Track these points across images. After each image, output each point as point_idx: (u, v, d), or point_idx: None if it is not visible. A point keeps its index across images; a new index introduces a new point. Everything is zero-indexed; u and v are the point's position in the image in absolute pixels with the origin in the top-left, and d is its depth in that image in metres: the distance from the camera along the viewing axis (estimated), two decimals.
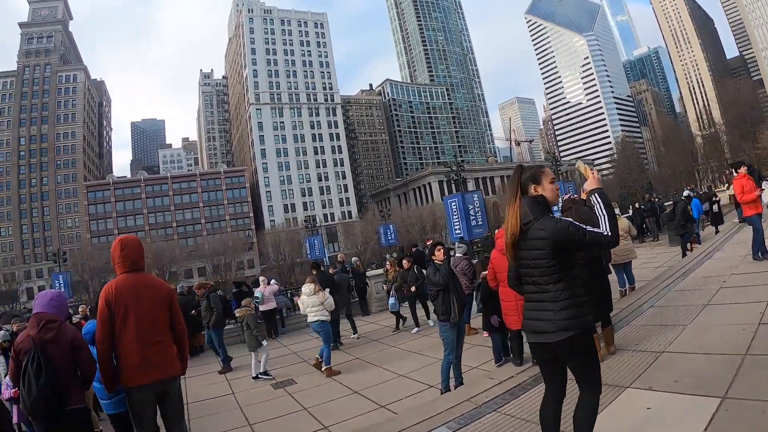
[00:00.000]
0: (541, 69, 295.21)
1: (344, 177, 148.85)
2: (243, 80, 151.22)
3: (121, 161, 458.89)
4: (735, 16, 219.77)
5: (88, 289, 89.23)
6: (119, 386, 5.17)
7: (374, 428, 6.99)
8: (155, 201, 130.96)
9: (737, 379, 5.42)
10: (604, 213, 3.93)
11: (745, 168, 12.36)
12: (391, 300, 15.70)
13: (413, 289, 15.06)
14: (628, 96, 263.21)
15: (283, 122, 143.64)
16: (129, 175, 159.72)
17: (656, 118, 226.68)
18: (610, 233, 3.85)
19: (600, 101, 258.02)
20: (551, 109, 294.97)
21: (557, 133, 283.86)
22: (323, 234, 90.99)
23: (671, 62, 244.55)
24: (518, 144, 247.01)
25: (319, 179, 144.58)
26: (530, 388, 6.72)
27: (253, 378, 12.09)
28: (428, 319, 15.43)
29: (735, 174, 12.69)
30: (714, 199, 25.17)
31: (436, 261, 8.88)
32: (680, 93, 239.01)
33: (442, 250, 8.98)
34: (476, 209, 26.85)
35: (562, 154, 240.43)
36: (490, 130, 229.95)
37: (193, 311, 15.64)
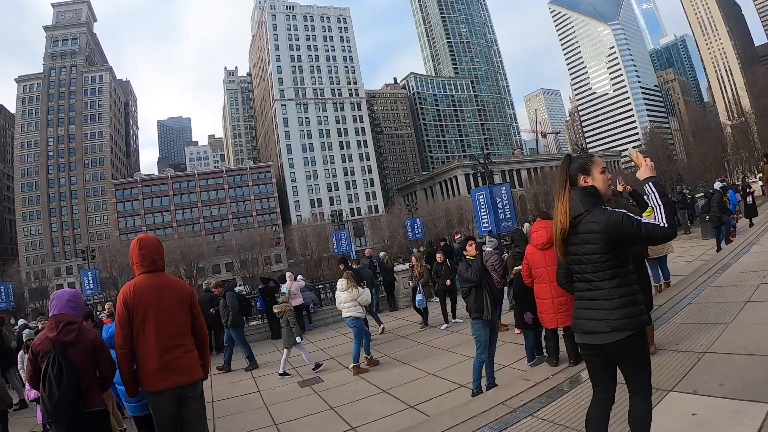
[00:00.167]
0: (566, 59, 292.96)
1: (370, 171, 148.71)
2: (267, 77, 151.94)
3: (149, 159, 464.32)
4: (763, 2, 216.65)
5: (117, 285, 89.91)
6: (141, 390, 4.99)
7: None
8: (182, 198, 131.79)
9: None
10: (660, 203, 3.61)
11: None
12: (419, 296, 15.32)
13: (448, 282, 14.71)
14: (655, 85, 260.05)
15: (308, 117, 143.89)
16: (156, 173, 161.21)
17: (684, 107, 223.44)
18: (666, 225, 3.54)
19: (627, 91, 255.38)
20: (577, 100, 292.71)
21: (584, 124, 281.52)
22: (350, 228, 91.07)
23: (698, 50, 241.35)
24: (544, 136, 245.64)
25: (345, 174, 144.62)
26: (567, 390, 6.42)
27: (280, 375, 11.88)
28: (454, 317, 15.16)
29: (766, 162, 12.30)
30: (748, 190, 24.56)
31: (468, 256, 8.55)
32: (708, 82, 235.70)
33: (474, 245, 8.65)
34: (504, 202, 26.54)
35: (589, 145, 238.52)
36: (516, 123, 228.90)
37: (212, 309, 15.44)
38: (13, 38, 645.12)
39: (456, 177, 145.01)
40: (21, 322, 21.01)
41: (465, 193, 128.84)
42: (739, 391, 5.14)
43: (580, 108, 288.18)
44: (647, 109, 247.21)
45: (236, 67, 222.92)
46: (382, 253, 23.55)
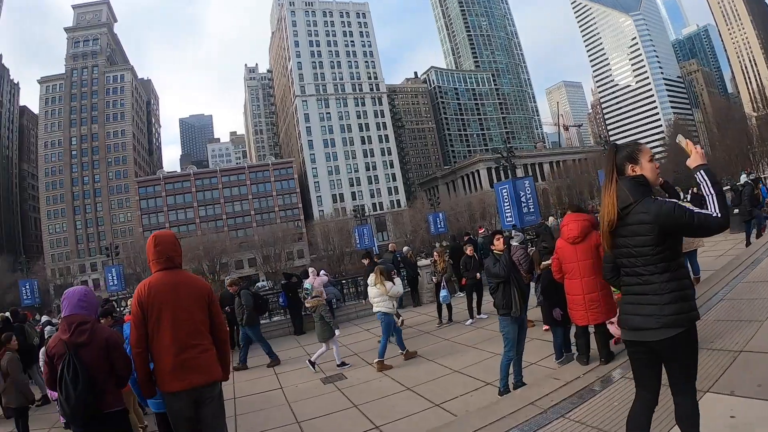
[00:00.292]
0: (587, 51, 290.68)
1: (392, 166, 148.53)
2: (288, 73, 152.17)
3: (171, 157, 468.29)
4: None
5: (141, 281, 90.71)
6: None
7: None
8: (205, 194, 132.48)
9: None
10: (712, 192, 3.42)
11: None
12: (444, 292, 15.08)
13: (477, 276, 14.55)
14: (678, 77, 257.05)
15: (329, 113, 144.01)
16: (179, 170, 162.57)
17: (708, 99, 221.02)
18: (720, 214, 3.35)
19: (649, 83, 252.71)
20: (599, 92, 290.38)
21: (606, 116, 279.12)
22: (372, 223, 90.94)
23: (721, 40, 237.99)
24: (566, 129, 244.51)
25: (367, 169, 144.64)
26: (599, 390, 6.20)
27: (310, 362, 11.84)
28: (479, 313, 14.95)
29: None
30: None
31: (495, 251, 8.33)
32: (732, 72, 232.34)
33: (501, 239, 8.43)
34: (528, 196, 26.34)
35: (611, 138, 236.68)
36: (538, 116, 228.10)
37: (227, 308, 15.29)
38: (35, 41, 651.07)
39: (478, 171, 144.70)
40: (44, 318, 21.12)
41: (487, 187, 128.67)
42: None
43: (602, 100, 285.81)
44: (670, 101, 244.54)
45: (257, 64, 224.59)
46: (405, 248, 23.31)
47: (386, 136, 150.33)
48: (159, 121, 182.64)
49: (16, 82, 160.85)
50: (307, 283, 17.62)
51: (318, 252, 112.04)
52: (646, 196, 3.59)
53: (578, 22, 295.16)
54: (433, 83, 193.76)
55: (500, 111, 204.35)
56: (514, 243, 11.62)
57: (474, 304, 15.01)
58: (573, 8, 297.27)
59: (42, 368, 12.13)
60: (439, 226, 49.82)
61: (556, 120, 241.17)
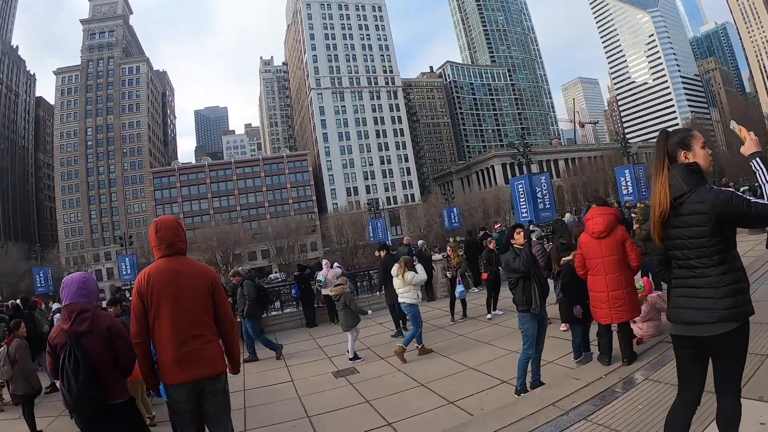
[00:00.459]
0: (604, 48, 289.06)
1: (407, 160, 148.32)
2: (303, 66, 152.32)
3: (186, 148, 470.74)
4: None
5: None
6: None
7: None
8: (219, 186, 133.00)
9: None
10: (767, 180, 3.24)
11: None
12: (460, 287, 14.84)
13: (499, 270, 14.28)
14: (695, 75, 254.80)
15: (344, 106, 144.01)
16: (193, 161, 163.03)
17: (726, 98, 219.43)
18: None
19: (667, 80, 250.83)
20: (616, 89, 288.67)
21: (623, 114, 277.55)
22: (386, 217, 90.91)
23: (740, 39, 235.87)
24: (582, 126, 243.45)
25: (382, 162, 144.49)
26: (622, 392, 5.96)
27: (350, 359, 11.67)
28: (494, 308, 14.62)
29: None
30: None
31: (515, 245, 8.00)
32: (750, 71, 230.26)
33: (522, 233, 8.08)
34: (544, 192, 26.08)
35: (627, 135, 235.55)
36: (554, 112, 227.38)
37: (229, 299, 15.07)
38: (51, 32, 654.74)
39: (493, 166, 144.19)
40: (55, 306, 21.11)
41: (502, 182, 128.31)
42: None
43: (618, 97, 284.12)
44: (687, 99, 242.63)
45: (272, 57, 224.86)
46: (420, 242, 23.08)
47: (401, 130, 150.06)
48: (174, 112, 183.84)
49: (32, 73, 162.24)
50: (320, 275, 17.55)
51: (331, 245, 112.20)
52: (700, 184, 3.45)
53: (595, 18, 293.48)
54: (449, 78, 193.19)
55: (516, 107, 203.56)
56: (533, 237, 11.39)
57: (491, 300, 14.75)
58: (590, 4, 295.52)
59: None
60: (453, 221, 49.57)
61: (571, 117, 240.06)
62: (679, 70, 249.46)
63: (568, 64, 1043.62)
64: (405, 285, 11.67)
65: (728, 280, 3.36)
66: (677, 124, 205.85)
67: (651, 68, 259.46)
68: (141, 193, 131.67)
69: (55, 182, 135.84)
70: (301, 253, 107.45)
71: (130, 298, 20.62)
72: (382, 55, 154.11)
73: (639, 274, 8.03)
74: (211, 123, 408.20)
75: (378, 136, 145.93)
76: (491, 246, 15.05)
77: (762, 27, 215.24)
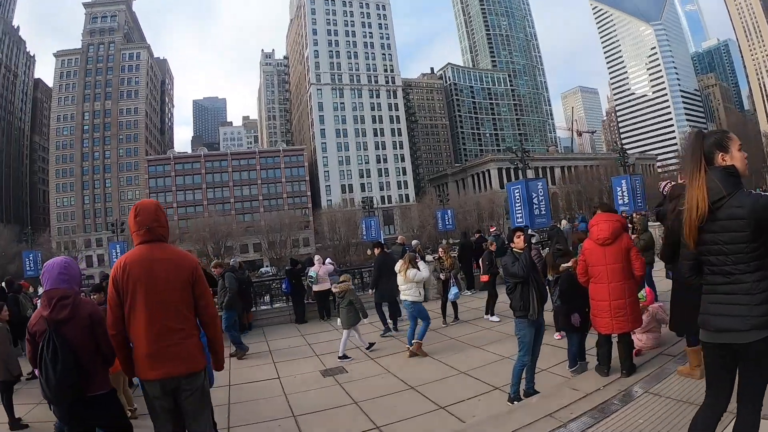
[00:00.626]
0: (606, 58, 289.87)
1: (403, 160, 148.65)
2: (304, 60, 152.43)
3: (183, 138, 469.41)
4: None
5: None
6: None
7: None
8: (214, 177, 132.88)
9: None
10: None
11: None
12: (454, 289, 14.65)
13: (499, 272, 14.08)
14: (695, 90, 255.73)
15: (343, 103, 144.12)
16: (189, 151, 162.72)
17: (724, 114, 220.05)
18: None
19: (666, 94, 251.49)
20: (615, 100, 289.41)
21: (621, 125, 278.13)
22: (380, 216, 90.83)
23: (741, 56, 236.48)
24: (580, 135, 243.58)
25: (378, 161, 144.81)
26: (622, 405, 5.78)
27: (339, 357, 11.50)
28: (487, 314, 14.40)
29: None
30: None
31: (515, 249, 7.77)
32: (750, 89, 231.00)
33: (522, 237, 7.83)
34: (540, 198, 25.90)
35: (624, 146, 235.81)
36: (552, 119, 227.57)
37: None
38: (53, 14, 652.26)
39: (489, 171, 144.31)
40: (41, 290, 20.84)
41: (497, 187, 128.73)
42: None
43: (617, 108, 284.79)
44: (686, 113, 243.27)
45: (273, 50, 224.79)
46: (415, 242, 22.98)
47: (399, 129, 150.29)
48: (172, 101, 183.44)
49: (32, 55, 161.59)
50: (312, 271, 17.35)
51: (324, 241, 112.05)
52: (738, 188, 3.36)
53: (598, 28, 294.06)
54: (449, 80, 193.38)
55: (515, 112, 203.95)
56: (534, 241, 11.23)
57: (486, 303, 14.58)
58: (594, 14, 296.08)
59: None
60: (447, 223, 49.38)
61: (570, 125, 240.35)
62: (679, 84, 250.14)
63: (569, 72, 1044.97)
64: (407, 282, 11.56)
65: (765, 287, 3.23)
66: (674, 138, 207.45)
67: (651, 81, 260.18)
68: (135, 181, 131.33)
69: (49, 165, 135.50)
70: (293, 248, 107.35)
71: None
72: (384, 54, 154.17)
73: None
74: (209, 113, 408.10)
75: (375, 134, 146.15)
76: (492, 248, 14.89)
77: (764, 45, 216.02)
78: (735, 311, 3.31)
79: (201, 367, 4.42)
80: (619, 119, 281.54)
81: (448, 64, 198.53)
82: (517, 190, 26.12)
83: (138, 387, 6.72)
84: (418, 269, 11.66)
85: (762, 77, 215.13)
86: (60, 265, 4.61)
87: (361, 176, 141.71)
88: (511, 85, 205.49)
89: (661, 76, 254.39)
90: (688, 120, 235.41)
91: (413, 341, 11.12)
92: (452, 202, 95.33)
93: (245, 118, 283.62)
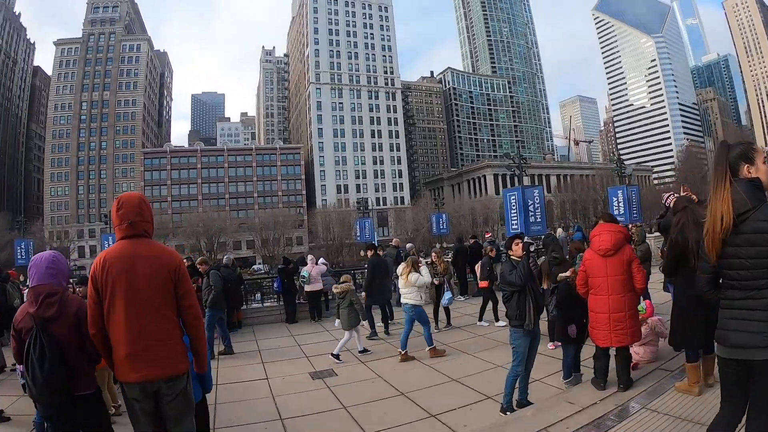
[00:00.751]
0: (605, 68, 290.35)
1: (399, 162, 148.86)
2: (304, 59, 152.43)
3: (180, 131, 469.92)
4: None
5: None
6: None
7: None
8: (210, 172, 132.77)
9: None
10: None
11: None
12: (448, 294, 14.52)
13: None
14: (693, 103, 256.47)
15: (341, 103, 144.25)
16: (186, 145, 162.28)
17: (721, 128, 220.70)
18: None
19: (664, 106, 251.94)
20: (613, 110, 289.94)
21: (618, 135, 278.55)
22: (374, 217, 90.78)
23: (741, 71, 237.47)
24: (577, 144, 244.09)
25: (374, 163, 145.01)
26: (619, 421, 5.63)
27: (332, 354, 11.48)
28: (480, 319, 14.37)
29: None
30: None
31: (513, 257, 7.58)
32: (748, 105, 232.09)
33: (521, 245, 7.61)
34: (536, 205, 25.85)
35: (622, 157, 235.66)
36: (550, 127, 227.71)
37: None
38: (54, 2, 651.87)
39: (485, 176, 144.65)
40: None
41: (492, 193, 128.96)
42: None
43: (615, 119, 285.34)
44: (684, 127, 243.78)
45: (274, 47, 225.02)
46: (409, 245, 22.85)
47: (396, 131, 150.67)
48: (171, 94, 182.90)
49: (32, 42, 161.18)
50: (304, 271, 17.21)
51: (317, 240, 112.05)
52: (763, 201, 3.29)
53: (599, 38, 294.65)
54: (449, 84, 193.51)
55: (513, 119, 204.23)
56: (532, 249, 11.13)
57: (479, 309, 14.54)
58: (595, 24, 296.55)
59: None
60: (441, 227, 49.20)
61: (567, 134, 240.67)
62: (678, 97, 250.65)
63: (568, 81, 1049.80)
64: (408, 286, 11.46)
65: None
66: (671, 150, 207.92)
67: (650, 92, 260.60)
68: (131, 173, 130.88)
69: (45, 154, 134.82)
70: (286, 246, 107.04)
71: None
72: (384, 56, 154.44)
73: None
74: (207, 108, 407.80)
75: (373, 135, 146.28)
76: (492, 254, 14.79)
77: (764, 62, 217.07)
78: (753, 327, 3.25)
79: (182, 371, 4.21)
80: (617, 130, 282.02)
81: (448, 68, 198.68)
82: (513, 197, 26.07)
83: None
84: (420, 273, 11.55)
85: (761, 93, 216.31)
86: (48, 260, 4.45)
87: (357, 177, 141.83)
88: (510, 92, 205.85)
89: (660, 89, 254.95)
90: (685, 133, 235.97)
91: (428, 348, 11.11)
92: (447, 207, 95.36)
93: (243, 114, 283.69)
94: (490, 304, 14.28)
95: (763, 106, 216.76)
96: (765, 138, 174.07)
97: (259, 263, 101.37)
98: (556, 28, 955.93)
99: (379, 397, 8.58)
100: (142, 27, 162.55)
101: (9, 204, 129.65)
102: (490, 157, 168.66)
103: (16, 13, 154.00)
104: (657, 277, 8.86)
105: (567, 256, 11.05)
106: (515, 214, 25.66)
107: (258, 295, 20.30)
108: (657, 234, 22.18)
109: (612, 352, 6.99)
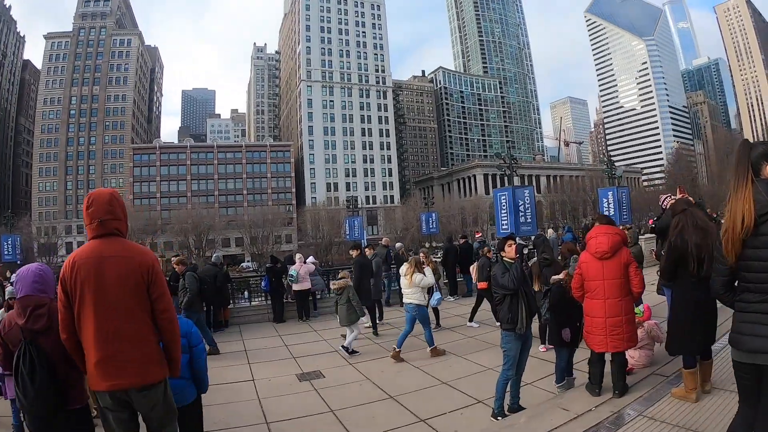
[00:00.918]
0: (596, 70, 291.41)
1: (389, 161, 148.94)
2: (296, 56, 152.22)
3: (170, 128, 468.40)
4: None
5: None
6: None
7: None
8: (199, 168, 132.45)
9: None
10: None
11: None
12: (437, 295, 14.31)
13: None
14: (683, 106, 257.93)
15: (332, 101, 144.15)
16: (176, 142, 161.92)
17: (711, 131, 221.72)
18: None
19: (655, 109, 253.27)
20: (604, 112, 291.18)
21: (608, 137, 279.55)
22: (364, 216, 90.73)
23: (731, 76, 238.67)
24: (567, 145, 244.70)
25: (365, 161, 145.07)
26: (615, 429, 5.48)
27: (344, 347, 11.72)
28: (471, 319, 14.29)
29: None
30: None
31: (506, 258, 7.38)
32: (738, 109, 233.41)
33: (514, 246, 7.41)
34: (526, 206, 25.75)
35: (612, 158, 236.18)
36: (540, 128, 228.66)
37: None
38: None
39: (474, 176, 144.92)
40: (14, 276, 20.32)
41: (482, 193, 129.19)
42: None
43: (605, 120, 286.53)
44: (673, 129, 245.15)
45: (265, 44, 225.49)
46: (398, 244, 22.78)
47: (387, 130, 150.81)
48: (161, 90, 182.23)
49: (22, 35, 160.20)
50: (292, 269, 17.01)
51: (306, 239, 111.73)
52: None
53: (591, 40, 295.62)
54: (440, 83, 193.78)
55: (503, 119, 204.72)
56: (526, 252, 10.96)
57: (471, 310, 14.49)
58: (587, 26, 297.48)
59: None
60: (431, 226, 49.11)
61: (557, 134, 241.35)
62: (668, 100, 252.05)
63: (559, 82, 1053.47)
64: (411, 286, 11.38)
65: None
66: (661, 153, 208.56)
67: (640, 95, 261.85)
68: (120, 169, 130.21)
69: (33, 149, 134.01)
70: (275, 244, 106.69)
71: None
72: (376, 54, 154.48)
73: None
74: (197, 104, 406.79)
75: (363, 134, 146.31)
76: (489, 255, 14.66)
77: (754, 67, 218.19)
78: (766, 332, 3.18)
79: (157, 379, 3.98)
80: (607, 131, 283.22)
81: (440, 67, 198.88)
82: (503, 197, 25.97)
83: None
84: (424, 274, 11.50)
85: (750, 97, 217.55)
86: (34, 272, 4.30)
87: (347, 175, 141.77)
88: (501, 92, 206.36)
89: (651, 91, 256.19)
90: (675, 136, 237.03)
91: (429, 349, 11.10)
92: (437, 206, 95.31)
93: (234, 111, 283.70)
94: (486, 305, 14.10)
95: (753, 111, 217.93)
96: (755, 141, 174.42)
97: (248, 261, 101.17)
98: (548, 29, 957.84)
99: (367, 401, 8.41)
100: (133, 21, 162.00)
101: None
102: (480, 157, 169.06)
103: (6, 6, 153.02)
104: (649, 279, 8.74)
105: (558, 258, 10.91)
106: (505, 215, 25.56)
107: (246, 294, 20.10)
108: (648, 236, 22.12)
109: (607, 357, 6.80)
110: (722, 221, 3.67)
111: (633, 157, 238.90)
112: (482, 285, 14.56)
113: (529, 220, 25.51)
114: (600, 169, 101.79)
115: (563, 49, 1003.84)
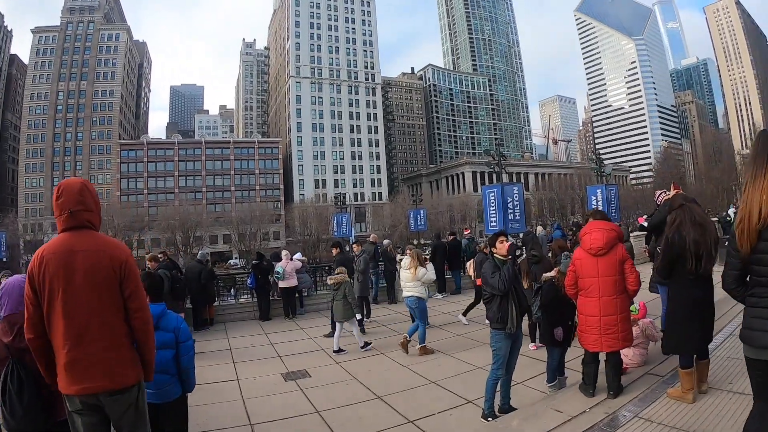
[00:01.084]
0: (585, 69, 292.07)
1: (378, 158, 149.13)
2: (285, 52, 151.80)
3: (158, 124, 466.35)
4: None
5: None
6: None
7: None
8: (187, 165, 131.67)
9: None
10: None
11: None
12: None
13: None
14: (672, 106, 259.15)
15: (321, 97, 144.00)
16: (164, 138, 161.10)
17: (698, 131, 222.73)
18: None
19: (643, 108, 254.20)
20: (592, 110, 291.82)
21: (596, 135, 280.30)
22: (352, 213, 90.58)
23: (719, 76, 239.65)
24: (555, 143, 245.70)
25: (353, 158, 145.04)
26: (611, 431, 5.30)
27: (335, 351, 11.53)
28: (463, 315, 14.12)
29: None
30: None
31: (497, 255, 7.09)
32: (725, 108, 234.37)
33: (506, 243, 7.08)
34: (515, 203, 25.67)
35: (600, 156, 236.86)
36: (529, 126, 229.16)
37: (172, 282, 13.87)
38: None
39: (463, 173, 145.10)
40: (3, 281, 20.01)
41: (470, 190, 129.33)
42: None
43: (594, 119, 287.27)
44: (661, 128, 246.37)
45: (254, 40, 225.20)
46: (386, 241, 22.57)
47: (376, 127, 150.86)
48: (149, 85, 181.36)
49: (9, 29, 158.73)
50: (279, 267, 16.82)
51: (294, 235, 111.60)
52: None
53: (580, 39, 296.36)
54: (429, 81, 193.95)
55: (492, 117, 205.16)
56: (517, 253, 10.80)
57: (468, 306, 14.42)
58: (577, 25, 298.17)
59: None
60: (419, 223, 49.06)
61: (546, 132, 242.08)
62: (657, 99, 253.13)
63: (548, 81, 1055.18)
64: (414, 280, 11.37)
65: None
66: (649, 151, 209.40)
67: (629, 94, 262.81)
68: (107, 165, 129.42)
69: (20, 144, 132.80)
70: (263, 240, 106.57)
71: None
72: (366, 51, 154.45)
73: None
74: (186, 100, 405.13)
75: (352, 131, 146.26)
76: (486, 251, 14.58)
77: (742, 67, 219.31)
78: None
79: (130, 383, 3.71)
80: (595, 130, 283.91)
81: (429, 65, 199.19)
82: (492, 194, 25.84)
83: None
84: (426, 269, 11.51)
85: (738, 97, 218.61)
86: (21, 287, 3.98)
87: (335, 172, 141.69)
88: (490, 90, 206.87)
89: (639, 90, 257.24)
90: (663, 135, 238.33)
91: (418, 346, 11.03)
92: (425, 203, 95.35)
93: (222, 107, 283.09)
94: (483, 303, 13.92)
95: (741, 111, 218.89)
96: (741, 142, 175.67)
97: (236, 258, 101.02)
98: (538, 27, 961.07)
99: (354, 401, 8.23)
100: (122, 16, 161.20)
101: None
102: (468, 154, 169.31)
103: None
104: (642, 276, 8.62)
105: (547, 254, 10.77)
106: (494, 211, 25.45)
107: (232, 291, 19.90)
108: (637, 233, 22.04)
109: (602, 356, 6.59)
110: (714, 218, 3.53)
111: (621, 156, 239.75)
112: (480, 281, 14.50)
113: (517, 217, 25.44)
114: (588, 168, 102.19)
115: (552, 48, 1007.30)
